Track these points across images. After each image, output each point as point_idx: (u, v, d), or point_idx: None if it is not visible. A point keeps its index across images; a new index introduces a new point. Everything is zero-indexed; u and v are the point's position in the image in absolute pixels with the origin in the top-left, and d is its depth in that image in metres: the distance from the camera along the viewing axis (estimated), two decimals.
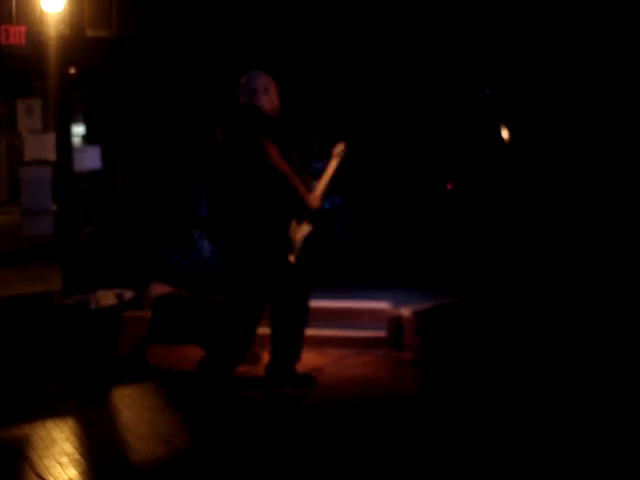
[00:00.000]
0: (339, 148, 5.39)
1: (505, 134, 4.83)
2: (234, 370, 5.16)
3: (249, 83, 5.06)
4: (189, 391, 5.10)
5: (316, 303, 6.42)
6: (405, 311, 6.04)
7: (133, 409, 4.87)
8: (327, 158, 8.56)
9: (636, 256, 6.04)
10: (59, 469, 3.95)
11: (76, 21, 7.47)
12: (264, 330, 6.02)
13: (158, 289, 6.60)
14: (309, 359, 5.76)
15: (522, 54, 6.98)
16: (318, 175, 8.50)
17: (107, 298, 6.41)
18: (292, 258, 5.05)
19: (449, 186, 7.82)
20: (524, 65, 6.96)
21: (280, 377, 5.21)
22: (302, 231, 5.14)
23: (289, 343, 5.21)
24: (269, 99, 5.05)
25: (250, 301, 5.08)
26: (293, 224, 5.12)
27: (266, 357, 5.66)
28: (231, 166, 5.05)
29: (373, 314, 6.27)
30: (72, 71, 7.47)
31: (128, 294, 6.53)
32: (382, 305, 6.26)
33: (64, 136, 7.10)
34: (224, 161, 5.09)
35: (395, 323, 6.04)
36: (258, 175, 4.93)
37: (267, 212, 4.99)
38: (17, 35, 6.89)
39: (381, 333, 6.08)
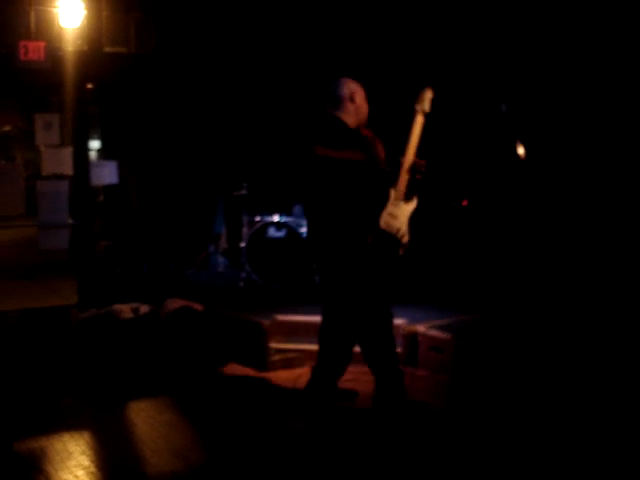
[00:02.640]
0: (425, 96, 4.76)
1: (521, 150, 4.80)
2: (337, 384, 5.09)
3: (334, 91, 4.79)
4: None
5: None
6: (420, 327, 6.03)
7: (149, 423, 4.87)
8: None
9: None
10: None
11: (94, 37, 7.54)
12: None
13: (174, 303, 6.63)
14: None
15: (538, 69, 6.97)
16: None
17: (123, 312, 6.44)
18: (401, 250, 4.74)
19: (465, 202, 7.80)
20: (540, 81, 6.95)
21: (322, 392, 5.12)
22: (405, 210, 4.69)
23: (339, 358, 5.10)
24: (354, 107, 4.76)
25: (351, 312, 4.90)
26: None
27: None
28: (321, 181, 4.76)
29: None
30: (89, 86, 7.54)
31: (144, 308, 6.56)
32: (397, 321, 6.23)
33: (81, 151, 7.16)
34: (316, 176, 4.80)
35: (410, 339, 6.02)
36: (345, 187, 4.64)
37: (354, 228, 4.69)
38: (36, 51, 6.97)
39: (397, 349, 6.06)
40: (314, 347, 6.17)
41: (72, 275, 7.12)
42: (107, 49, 7.88)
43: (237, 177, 8.60)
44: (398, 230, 4.65)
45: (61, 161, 7.01)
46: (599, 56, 6.47)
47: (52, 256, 7.68)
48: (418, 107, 4.68)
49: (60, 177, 6.99)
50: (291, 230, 7.99)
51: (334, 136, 4.68)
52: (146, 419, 4.96)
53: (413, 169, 4.64)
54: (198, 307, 6.48)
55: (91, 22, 7.51)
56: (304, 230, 8.08)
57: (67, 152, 7.05)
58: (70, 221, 6.97)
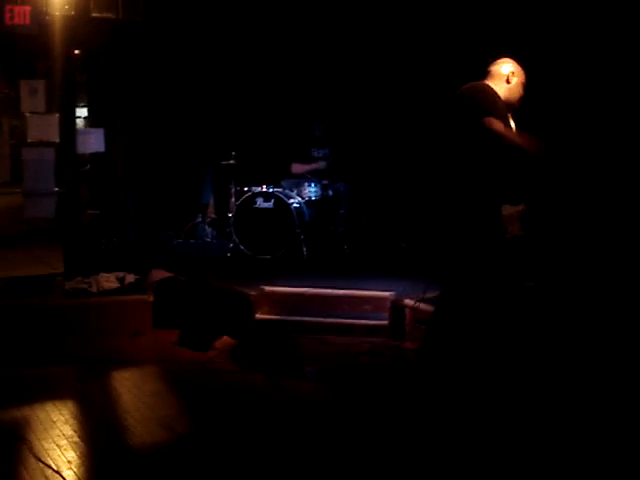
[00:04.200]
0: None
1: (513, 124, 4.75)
2: None
3: (490, 67, 4.59)
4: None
5: (318, 291, 6.44)
6: (408, 300, 6.02)
7: (133, 393, 4.85)
8: (329, 145, 8.58)
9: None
10: (58, 452, 3.93)
11: (81, 2, 7.40)
12: None
13: (158, 274, 6.60)
14: (311, 347, 5.77)
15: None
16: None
17: (108, 281, 6.41)
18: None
19: None
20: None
21: None
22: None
23: None
24: (507, 87, 4.51)
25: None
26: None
27: None
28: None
29: (376, 302, 6.24)
30: (77, 52, 7.43)
31: (129, 278, 6.52)
32: (385, 294, 6.23)
33: (68, 118, 7.06)
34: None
35: (397, 312, 6.02)
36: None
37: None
38: (22, 15, 6.83)
39: (383, 322, 6.06)
40: (300, 318, 6.18)
41: (58, 244, 7.06)
42: (94, 14, 7.73)
43: (226, 146, 8.53)
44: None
45: (47, 128, 6.91)
46: None
47: (38, 224, 7.62)
48: None
49: (46, 144, 6.90)
50: (279, 200, 7.94)
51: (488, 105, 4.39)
52: (131, 388, 4.93)
53: None
54: (181, 278, 6.45)
55: None
56: (292, 201, 8.03)
57: (53, 119, 6.95)
58: (56, 189, 6.89)
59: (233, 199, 8.19)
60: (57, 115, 6.96)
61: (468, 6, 7.31)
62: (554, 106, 6.35)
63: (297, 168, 8.57)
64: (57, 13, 6.97)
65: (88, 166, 7.97)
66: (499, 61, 4.60)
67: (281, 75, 9.09)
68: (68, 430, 4.22)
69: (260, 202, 7.98)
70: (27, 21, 6.86)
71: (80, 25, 7.30)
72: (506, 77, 4.52)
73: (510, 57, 4.64)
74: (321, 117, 8.77)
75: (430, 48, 7.79)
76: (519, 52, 4.77)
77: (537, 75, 4.94)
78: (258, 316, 6.19)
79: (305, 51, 8.94)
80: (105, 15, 7.62)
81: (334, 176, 8.56)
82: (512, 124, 4.54)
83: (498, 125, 4.24)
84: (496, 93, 4.44)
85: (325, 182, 8.46)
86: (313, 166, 8.55)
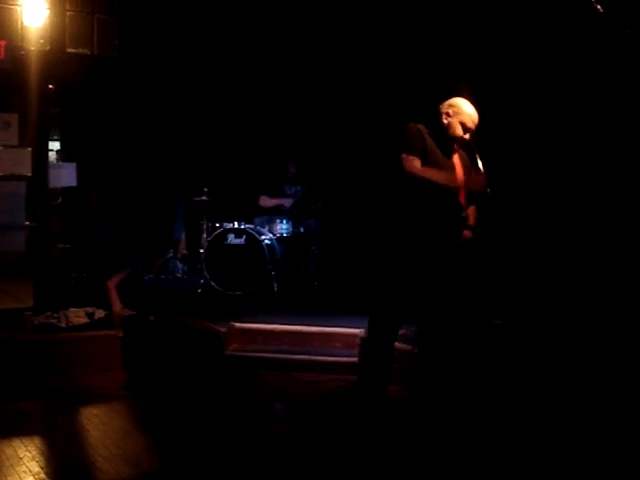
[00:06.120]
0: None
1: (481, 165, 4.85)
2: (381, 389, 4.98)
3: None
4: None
5: (289, 327, 6.45)
6: None
7: (101, 429, 4.81)
8: (301, 183, 8.63)
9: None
10: None
11: (56, 37, 7.47)
12: None
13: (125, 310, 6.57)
14: (280, 384, 5.76)
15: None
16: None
17: (78, 316, 6.38)
18: None
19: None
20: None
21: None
22: None
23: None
24: (446, 124, 4.80)
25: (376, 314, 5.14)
26: None
27: None
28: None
29: (346, 339, 6.26)
30: (51, 87, 7.46)
31: (99, 313, 6.50)
32: (355, 331, 6.25)
33: (40, 152, 7.08)
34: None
35: None
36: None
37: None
38: None
39: (353, 359, 6.07)
40: (270, 355, 6.19)
41: (27, 278, 7.03)
42: (70, 50, 7.80)
43: (198, 182, 8.57)
44: None
45: (19, 162, 6.93)
46: None
47: (8, 258, 7.58)
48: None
49: (18, 178, 6.91)
50: (251, 237, 7.97)
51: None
52: (98, 425, 4.90)
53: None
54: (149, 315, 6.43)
55: (54, 22, 7.44)
56: (264, 237, 8.06)
57: (25, 153, 6.96)
58: (27, 223, 6.88)
59: (205, 235, 8.21)
60: (29, 149, 6.97)
61: (441, 49, 7.44)
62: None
63: (264, 201, 8.61)
64: (32, 48, 7.03)
65: (60, 200, 7.97)
66: (446, 101, 4.88)
67: (255, 112, 9.17)
68: (35, 467, 4.18)
69: (231, 238, 8.01)
70: (1, 56, 6.91)
71: (55, 60, 7.36)
72: (443, 115, 4.82)
73: (467, 91, 4.92)
74: (296, 155, 8.84)
75: (405, 89, 7.89)
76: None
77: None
78: (228, 353, 6.18)
79: (281, 88, 9.03)
80: (80, 51, 7.70)
81: (303, 214, 8.60)
82: (456, 156, 4.83)
83: (410, 162, 4.61)
84: (420, 131, 4.73)
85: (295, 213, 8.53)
86: (280, 201, 8.59)
